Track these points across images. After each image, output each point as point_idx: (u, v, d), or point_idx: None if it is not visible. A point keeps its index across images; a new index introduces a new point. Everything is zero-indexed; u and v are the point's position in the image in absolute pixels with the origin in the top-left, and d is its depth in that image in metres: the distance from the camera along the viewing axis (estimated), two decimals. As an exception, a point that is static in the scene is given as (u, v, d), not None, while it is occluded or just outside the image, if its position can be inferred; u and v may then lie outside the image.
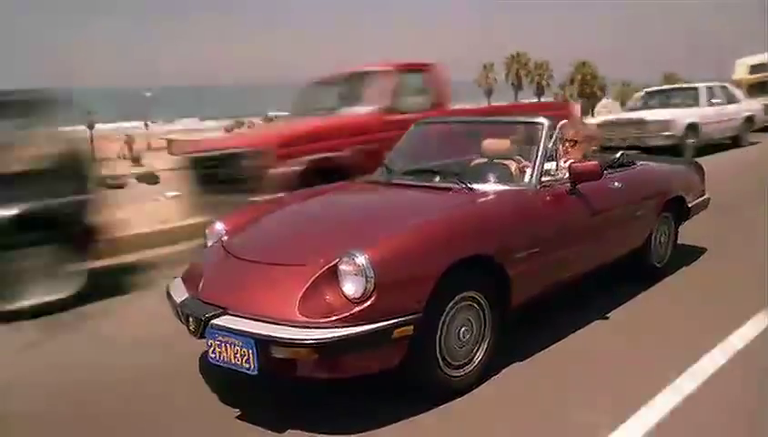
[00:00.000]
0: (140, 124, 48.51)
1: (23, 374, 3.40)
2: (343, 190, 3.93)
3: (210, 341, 2.62)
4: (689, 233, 4.98)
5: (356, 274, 2.50)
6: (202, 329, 2.64)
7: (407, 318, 2.55)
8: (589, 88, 38.97)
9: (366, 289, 2.48)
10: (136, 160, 32.36)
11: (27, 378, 3.35)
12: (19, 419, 2.89)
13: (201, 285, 2.93)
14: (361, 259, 2.49)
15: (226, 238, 3.32)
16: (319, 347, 2.40)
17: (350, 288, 2.51)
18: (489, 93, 34.56)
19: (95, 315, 4.36)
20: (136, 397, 3.03)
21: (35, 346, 3.83)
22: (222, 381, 2.99)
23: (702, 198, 4.87)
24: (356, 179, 4.16)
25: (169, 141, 37.32)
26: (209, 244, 3.39)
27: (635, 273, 4.32)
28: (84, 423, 2.82)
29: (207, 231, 3.47)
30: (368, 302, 2.48)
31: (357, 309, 2.48)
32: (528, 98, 35.80)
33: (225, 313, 2.64)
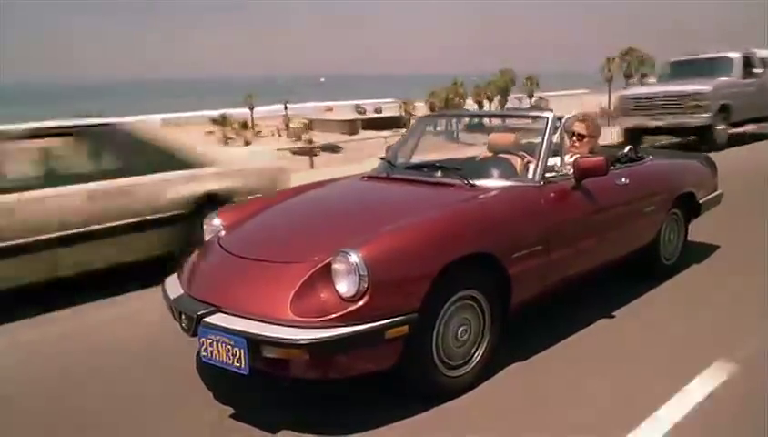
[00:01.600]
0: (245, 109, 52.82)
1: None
2: (344, 185, 3.86)
3: (203, 340, 2.58)
4: (703, 229, 4.87)
5: (349, 273, 2.44)
6: (194, 327, 2.60)
7: (402, 317, 2.49)
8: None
9: (359, 287, 2.42)
10: (298, 136, 39.91)
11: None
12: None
13: (195, 282, 2.90)
14: (354, 258, 2.43)
15: (223, 233, 3.27)
16: (311, 347, 2.34)
17: (344, 286, 2.45)
18: (609, 80, 43.54)
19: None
20: (128, 394, 3.00)
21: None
22: (217, 379, 2.95)
23: (714, 194, 4.75)
24: (358, 174, 4.09)
25: (310, 120, 48.05)
26: (207, 239, 3.35)
27: (644, 271, 4.22)
28: (67, 421, 2.79)
29: (204, 226, 3.43)
30: (362, 301, 2.42)
31: (350, 308, 2.42)
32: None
33: (217, 311, 2.60)
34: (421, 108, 42.20)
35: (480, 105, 47.47)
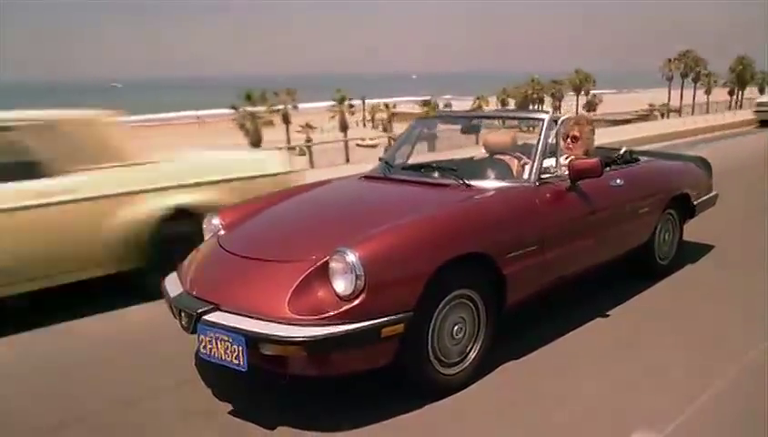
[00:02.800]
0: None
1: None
2: (341, 186, 3.91)
3: (201, 337, 2.63)
4: (699, 228, 4.92)
5: (345, 271, 2.48)
6: (194, 324, 2.64)
7: (397, 316, 2.53)
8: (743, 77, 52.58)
9: (356, 286, 2.46)
10: (384, 127, 44.75)
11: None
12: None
13: (195, 280, 2.94)
14: (351, 257, 2.47)
15: (222, 232, 3.32)
16: (307, 344, 2.39)
17: (340, 285, 2.50)
18: (669, 79, 50.41)
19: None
20: (126, 393, 3.05)
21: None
22: (215, 377, 3.00)
23: (709, 196, 4.80)
24: (355, 175, 4.13)
25: (393, 113, 52.23)
26: (206, 238, 3.39)
27: (638, 270, 4.27)
28: (64, 420, 2.81)
29: (204, 226, 3.48)
30: (358, 300, 2.46)
31: (347, 306, 2.46)
32: (688, 86, 50.02)
33: (216, 309, 2.64)
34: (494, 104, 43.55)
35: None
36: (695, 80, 49.29)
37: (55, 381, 3.19)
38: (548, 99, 48.78)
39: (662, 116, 34.43)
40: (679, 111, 38.12)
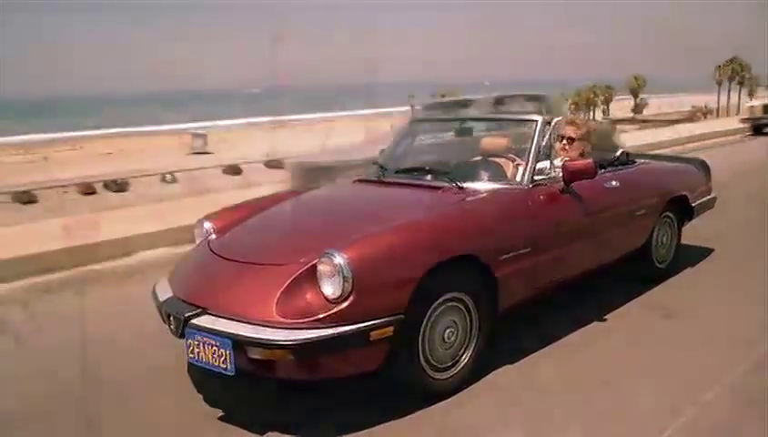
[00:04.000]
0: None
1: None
2: (334, 189, 3.89)
3: (189, 341, 2.60)
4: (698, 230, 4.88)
5: (333, 274, 2.45)
6: (182, 328, 2.62)
7: (387, 319, 2.50)
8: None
9: (344, 289, 2.43)
10: None
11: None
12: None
13: (184, 284, 2.92)
14: (339, 259, 2.44)
15: (213, 237, 3.30)
16: (294, 348, 2.36)
17: (328, 288, 2.47)
18: (719, 83, 50.62)
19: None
20: (115, 397, 3.02)
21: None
22: (206, 380, 2.97)
23: (708, 198, 4.76)
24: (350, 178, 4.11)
25: None
26: (197, 242, 3.37)
27: (636, 274, 4.23)
28: (63, 426, 2.79)
29: (195, 230, 3.46)
30: (347, 303, 2.43)
31: (335, 309, 2.43)
32: (734, 89, 48.87)
33: (204, 313, 2.62)
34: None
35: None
36: (740, 84, 50.33)
37: (49, 377, 3.17)
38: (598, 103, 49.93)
39: (705, 116, 35.61)
40: (716, 112, 38.99)
